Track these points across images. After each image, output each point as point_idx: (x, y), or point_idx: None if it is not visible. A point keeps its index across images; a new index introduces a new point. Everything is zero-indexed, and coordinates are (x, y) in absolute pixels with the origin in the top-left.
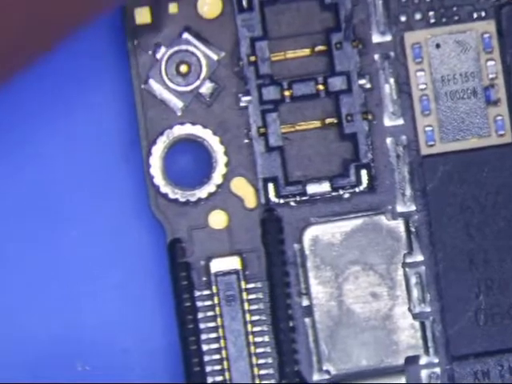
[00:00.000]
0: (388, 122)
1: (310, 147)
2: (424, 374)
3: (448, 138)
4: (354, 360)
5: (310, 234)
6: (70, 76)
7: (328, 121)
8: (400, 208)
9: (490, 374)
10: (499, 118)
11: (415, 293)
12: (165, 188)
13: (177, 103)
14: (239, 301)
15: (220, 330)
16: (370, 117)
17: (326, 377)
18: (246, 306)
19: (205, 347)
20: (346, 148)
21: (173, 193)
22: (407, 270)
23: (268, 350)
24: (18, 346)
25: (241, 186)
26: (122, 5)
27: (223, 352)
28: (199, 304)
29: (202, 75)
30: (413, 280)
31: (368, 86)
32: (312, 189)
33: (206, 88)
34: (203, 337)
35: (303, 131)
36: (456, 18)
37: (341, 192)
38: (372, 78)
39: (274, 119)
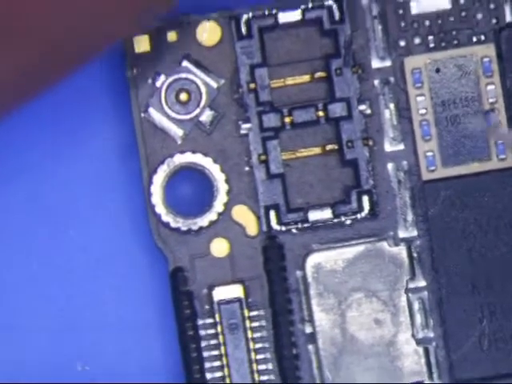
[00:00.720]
0: (389, 147)
1: (311, 174)
2: None
3: (449, 163)
4: None
5: (312, 260)
6: (71, 106)
7: (329, 147)
8: (402, 234)
9: None
10: (500, 141)
11: (418, 318)
12: (166, 217)
13: (177, 131)
14: (242, 329)
15: (224, 359)
16: (370, 143)
17: None
18: (250, 334)
19: (209, 375)
20: (347, 174)
21: (174, 221)
22: (410, 295)
23: (272, 377)
24: (17, 347)
25: (242, 214)
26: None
27: (227, 380)
28: (202, 333)
29: (202, 103)
30: (416, 306)
31: (368, 111)
32: (314, 216)
33: (206, 116)
34: (207, 365)
35: (304, 158)
36: (455, 42)
37: (343, 218)
38: (372, 103)
39: (274, 146)
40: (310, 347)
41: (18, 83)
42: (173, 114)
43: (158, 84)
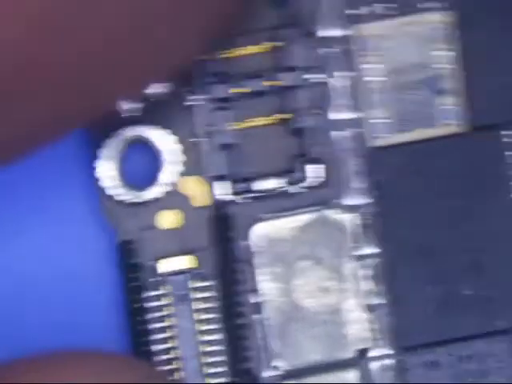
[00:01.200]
0: (338, 115)
1: (259, 143)
2: (375, 365)
3: (398, 130)
4: (305, 355)
5: (258, 230)
6: None
7: (277, 117)
8: (350, 201)
9: (440, 364)
10: (450, 107)
11: (365, 285)
12: (113, 190)
13: (125, 104)
14: (190, 300)
15: (171, 330)
16: (319, 111)
17: (277, 373)
18: (197, 305)
19: (155, 347)
20: (295, 143)
21: (122, 194)
22: (357, 263)
23: (219, 348)
24: None
25: (189, 185)
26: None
27: (174, 352)
28: (150, 304)
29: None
30: (362, 273)
31: (317, 80)
32: (261, 185)
33: (155, 88)
34: (154, 337)
35: (252, 128)
36: (408, 9)
37: (290, 187)
38: (321, 72)
39: (222, 117)
40: (257, 317)
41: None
42: None
43: None
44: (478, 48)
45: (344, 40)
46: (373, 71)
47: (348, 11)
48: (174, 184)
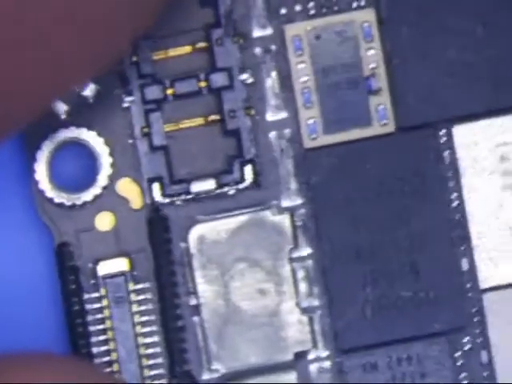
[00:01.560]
0: (271, 116)
1: (195, 145)
2: (313, 368)
3: (331, 130)
4: (243, 358)
5: (195, 232)
6: None
7: (211, 118)
8: (285, 203)
9: (378, 366)
10: (381, 107)
11: (302, 287)
12: (51, 192)
13: (60, 106)
14: (128, 302)
15: (109, 332)
16: (252, 112)
17: (216, 375)
18: (135, 308)
19: (95, 350)
20: (229, 144)
21: (59, 197)
22: (294, 264)
23: (158, 350)
24: None
25: (126, 187)
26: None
27: (113, 354)
28: (88, 307)
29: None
30: (300, 275)
31: (250, 80)
32: (197, 187)
33: (90, 90)
34: (93, 339)
35: (187, 129)
36: (336, 8)
37: (226, 189)
38: (254, 72)
39: (157, 118)
40: (195, 319)
41: None
42: None
43: None
44: (404, 47)
45: (275, 40)
46: (304, 71)
47: (278, 11)
48: (110, 186)
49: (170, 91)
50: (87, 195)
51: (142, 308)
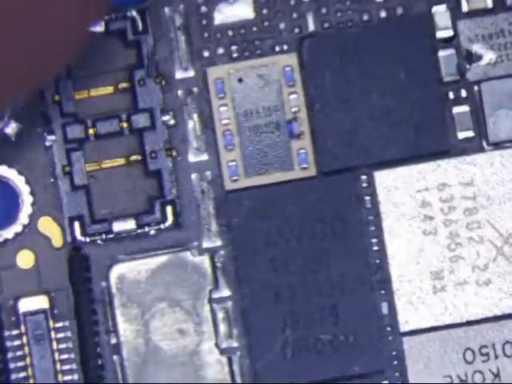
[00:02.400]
0: (192, 157)
1: (116, 185)
2: None
3: (252, 173)
4: None
5: (116, 271)
6: None
7: (133, 158)
8: (206, 244)
9: None
10: (302, 151)
11: (222, 328)
12: None
13: None
14: (48, 340)
15: (29, 370)
16: (174, 153)
17: None
18: (55, 345)
19: None
20: (151, 185)
21: None
22: (214, 305)
23: None
24: None
25: (48, 226)
26: None
27: None
28: (8, 344)
29: (7, 115)
30: (219, 315)
31: (172, 122)
32: (118, 226)
33: (12, 128)
34: (13, 376)
35: (108, 169)
36: (258, 51)
37: (147, 229)
38: (176, 114)
39: (78, 158)
40: (115, 358)
41: None
42: None
43: None
44: (326, 91)
45: (197, 82)
46: (226, 114)
47: (201, 54)
48: (31, 224)
49: (91, 131)
50: (8, 233)
51: (62, 346)
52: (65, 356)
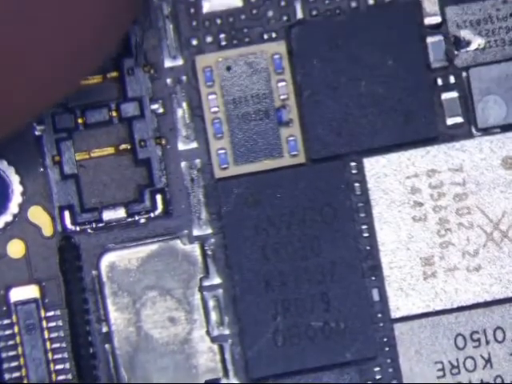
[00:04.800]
0: (182, 146)
1: (105, 174)
2: None
3: (241, 161)
4: None
5: (106, 260)
6: None
7: (122, 147)
8: (196, 232)
9: None
10: (291, 138)
11: (213, 316)
12: None
13: None
14: (39, 329)
15: (21, 359)
16: (163, 142)
17: None
18: (46, 335)
19: (7, 376)
20: (140, 173)
21: None
22: (204, 293)
23: (69, 377)
24: None
25: (38, 215)
26: None
27: (24, 380)
28: (1, 333)
29: None
30: (210, 303)
31: (161, 110)
32: (108, 215)
33: None
34: (5, 366)
35: (98, 158)
36: (247, 39)
37: (136, 218)
38: (165, 102)
39: (67, 147)
40: (106, 346)
41: None
42: None
43: None
44: (314, 79)
45: (186, 71)
46: (215, 102)
47: (189, 42)
48: (22, 214)
49: (80, 120)
50: None
51: (54, 335)
52: (56, 345)
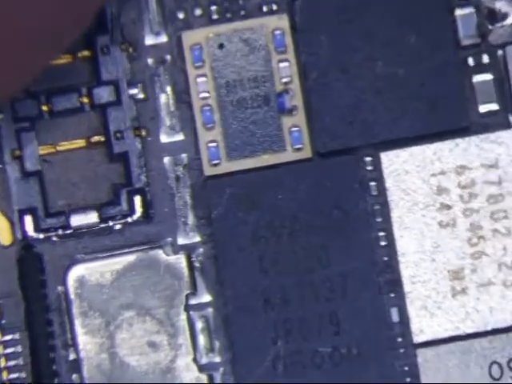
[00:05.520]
0: (165, 138)
1: (75, 171)
2: None
3: (236, 155)
4: None
5: (74, 273)
6: None
7: (94, 139)
8: (181, 240)
9: None
10: (295, 129)
11: (201, 340)
12: None
13: None
14: None
15: None
16: (143, 133)
17: None
18: (3, 363)
19: None
20: (115, 171)
21: None
22: (191, 313)
23: None
24: None
25: None
26: None
27: None
28: None
29: None
30: (198, 325)
31: (140, 96)
32: (77, 220)
33: None
34: None
35: (66, 152)
36: (242, 12)
37: (111, 223)
38: (145, 86)
39: (30, 139)
40: (74, 377)
41: None
42: None
43: None
44: (322, 59)
45: (171, 49)
46: (204, 86)
47: (175, 15)
48: None
49: (45, 107)
50: None
51: (11, 363)
52: (14, 375)
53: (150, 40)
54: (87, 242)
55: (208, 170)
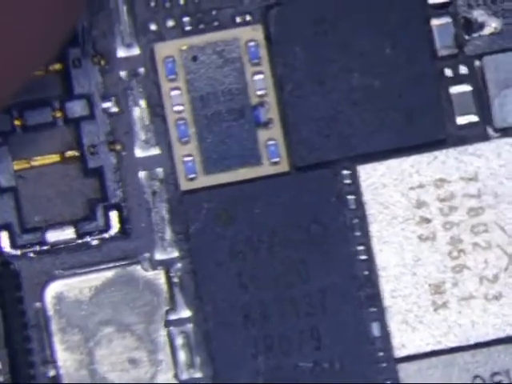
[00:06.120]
0: (140, 152)
1: (49, 186)
2: None
3: (212, 170)
4: None
5: (52, 290)
6: None
7: (68, 154)
8: (159, 255)
9: None
10: (272, 142)
11: (181, 356)
12: None
13: None
14: None
15: None
16: (118, 147)
17: None
18: None
19: None
20: (91, 186)
21: None
22: (171, 329)
23: None
24: None
25: None
26: None
27: None
28: None
29: None
30: (178, 341)
31: (114, 110)
32: (54, 236)
33: None
34: None
35: (40, 167)
36: (216, 23)
37: (88, 239)
38: (119, 100)
39: (3, 154)
40: None
41: None
42: None
43: None
44: (298, 71)
45: (143, 61)
46: (178, 99)
47: (147, 27)
48: None
49: (18, 122)
50: None
51: None
52: None
53: (122, 52)
54: (64, 258)
55: (184, 185)
